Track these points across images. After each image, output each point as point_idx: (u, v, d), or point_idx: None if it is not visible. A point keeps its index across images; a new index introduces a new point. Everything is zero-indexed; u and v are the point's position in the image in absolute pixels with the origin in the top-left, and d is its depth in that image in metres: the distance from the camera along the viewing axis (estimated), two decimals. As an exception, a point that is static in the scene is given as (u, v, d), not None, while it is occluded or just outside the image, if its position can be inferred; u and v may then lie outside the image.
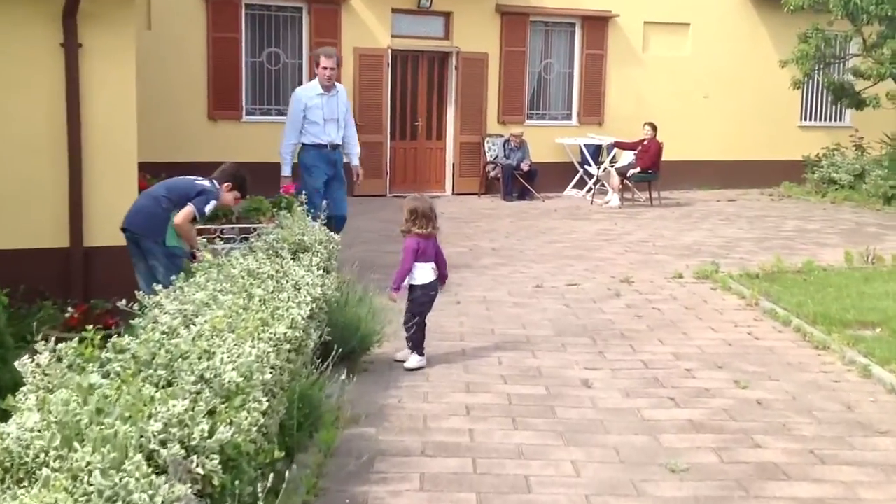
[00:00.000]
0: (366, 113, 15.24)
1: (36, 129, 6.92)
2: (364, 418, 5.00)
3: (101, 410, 2.92)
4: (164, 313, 4.52)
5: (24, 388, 3.21)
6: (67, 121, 6.90)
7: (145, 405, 3.02)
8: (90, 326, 5.96)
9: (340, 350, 5.40)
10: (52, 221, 6.96)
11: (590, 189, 15.83)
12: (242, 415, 3.20)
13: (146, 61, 13.82)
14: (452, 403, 5.30)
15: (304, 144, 8.52)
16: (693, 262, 9.85)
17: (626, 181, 15.09)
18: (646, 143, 14.93)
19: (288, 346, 4.20)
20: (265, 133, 14.79)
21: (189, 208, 6.28)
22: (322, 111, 8.38)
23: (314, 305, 5.05)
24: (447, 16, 15.82)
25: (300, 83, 15.18)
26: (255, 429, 3.24)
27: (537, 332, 6.97)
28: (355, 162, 8.88)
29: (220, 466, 2.92)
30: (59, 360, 3.36)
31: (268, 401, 3.69)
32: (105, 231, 6.87)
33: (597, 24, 16.73)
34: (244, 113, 14.86)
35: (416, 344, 6.01)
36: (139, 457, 2.67)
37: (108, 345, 3.59)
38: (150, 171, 11.05)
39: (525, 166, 15.52)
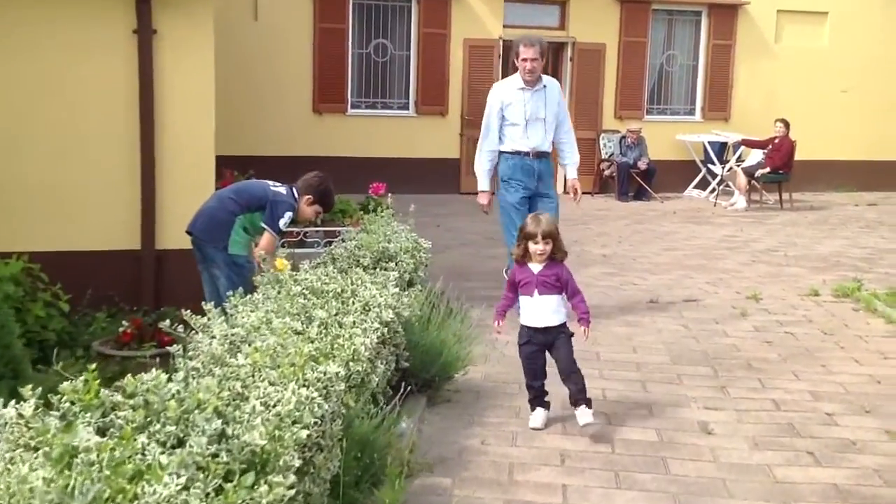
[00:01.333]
0: (475, 106, 14.54)
1: (106, 123, 6.50)
2: (439, 465, 4.28)
3: (71, 491, 2.28)
4: (211, 338, 3.94)
5: (-1, 447, 2.62)
6: (140, 114, 6.44)
7: (131, 481, 2.38)
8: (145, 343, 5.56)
9: (412, 381, 4.73)
10: (122, 222, 6.53)
11: (713, 190, 14.71)
12: (262, 489, 2.53)
13: (251, 53, 13.54)
14: (544, 449, 4.53)
15: (501, 152, 6.86)
16: (831, 276, 8.78)
17: (753, 182, 13.91)
18: (777, 141, 13.73)
19: (343, 386, 3.52)
20: (370, 127, 14.35)
21: (268, 236, 5.63)
22: (524, 109, 6.69)
23: (385, 330, 4.38)
24: (563, 5, 14.96)
25: (407, 76, 14.65)
26: (278, 508, 2.56)
27: (649, 357, 6.12)
28: (572, 174, 7.07)
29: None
30: (49, 406, 2.76)
31: (304, 463, 3.03)
32: (178, 233, 6.35)
33: (725, 13, 15.56)
34: (349, 106, 14.38)
35: (534, 404, 4.85)
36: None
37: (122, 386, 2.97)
38: (254, 166, 10.69)
39: (642, 164, 14.54)
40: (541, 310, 4.69)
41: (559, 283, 4.70)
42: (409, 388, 4.52)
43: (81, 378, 2.85)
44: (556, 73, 15.09)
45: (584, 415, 4.63)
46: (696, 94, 15.87)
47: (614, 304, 7.60)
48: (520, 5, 14.74)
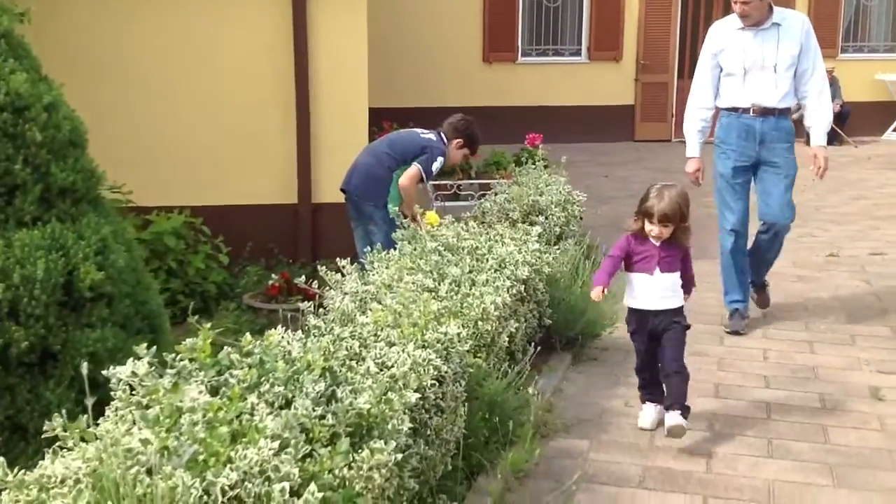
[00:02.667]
0: (650, 51, 14.00)
1: (263, 79, 6.62)
2: (577, 426, 4.13)
3: (171, 451, 2.29)
4: (343, 294, 3.94)
5: (113, 404, 2.68)
6: (295, 70, 6.53)
7: (233, 441, 2.37)
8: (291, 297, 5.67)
9: (556, 339, 4.58)
10: (280, 176, 6.66)
11: (916, 132, 13.54)
12: (364, 454, 2.48)
13: (420, 4, 13.50)
14: (693, 411, 4.24)
15: (719, 109, 5.53)
16: None
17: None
18: None
19: (467, 347, 3.42)
20: (542, 75, 14.07)
21: (415, 168, 5.55)
22: (743, 55, 5.26)
23: (522, 287, 4.25)
24: (746, -64, 14.01)
25: (580, 21, 14.20)
26: (379, 473, 2.50)
27: (822, 316, 5.67)
28: (816, 140, 5.39)
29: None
30: (165, 365, 2.80)
31: (420, 426, 2.97)
32: (334, 187, 6.43)
33: (932, -64, 14.15)
34: (520, 54, 14.12)
35: (644, 395, 4.17)
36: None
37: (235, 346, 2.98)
38: (422, 117, 10.66)
39: (835, 106, 13.49)
40: (661, 289, 3.95)
41: (680, 261, 4.02)
42: (539, 347, 4.37)
43: (199, 337, 2.88)
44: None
45: (673, 417, 3.82)
46: (900, 29, 14.59)
47: (789, 256, 7.06)
48: (699, -60, 13.97)
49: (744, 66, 5.26)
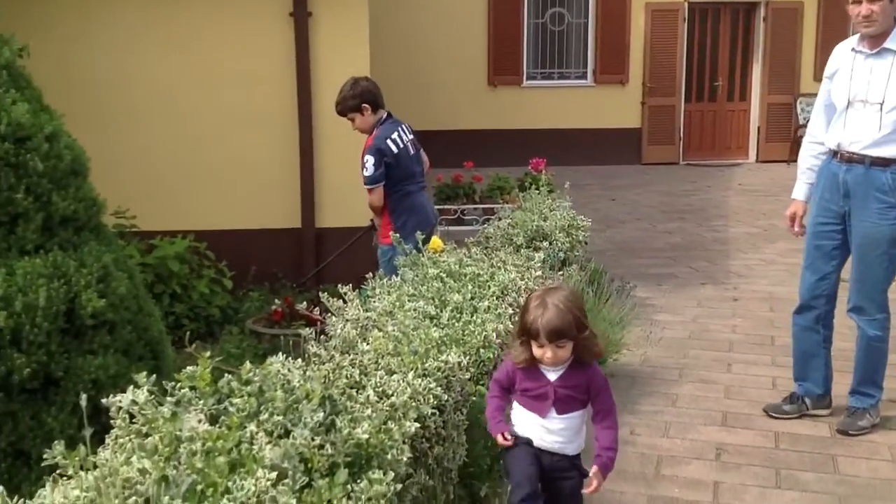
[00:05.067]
0: (657, 74, 14.02)
1: (266, 105, 6.66)
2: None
3: (170, 481, 2.27)
4: (346, 321, 3.91)
5: (113, 432, 2.66)
6: (298, 96, 6.56)
7: (231, 471, 2.34)
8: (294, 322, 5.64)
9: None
10: (284, 201, 6.69)
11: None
12: (363, 485, 2.44)
13: (423, 28, 13.58)
14: (699, 441, 4.23)
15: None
16: None
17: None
18: None
19: (468, 375, 3.39)
20: (547, 98, 14.09)
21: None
22: (848, 85, 4.10)
23: (525, 314, 4.21)
24: (754, -39, 14.09)
25: (584, 45, 14.24)
26: (379, 504, 2.46)
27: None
28: None
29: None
30: (166, 393, 2.78)
31: (421, 455, 2.93)
32: (337, 212, 6.45)
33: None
34: (525, 78, 14.16)
35: None
36: None
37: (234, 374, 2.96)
38: (428, 141, 10.60)
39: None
40: (556, 433, 2.95)
41: (587, 394, 2.94)
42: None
43: (198, 366, 2.85)
44: (747, 36, 14.25)
45: None
46: (907, 51, 14.56)
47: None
48: (707, -36, 14.02)
49: (847, 98, 4.10)
